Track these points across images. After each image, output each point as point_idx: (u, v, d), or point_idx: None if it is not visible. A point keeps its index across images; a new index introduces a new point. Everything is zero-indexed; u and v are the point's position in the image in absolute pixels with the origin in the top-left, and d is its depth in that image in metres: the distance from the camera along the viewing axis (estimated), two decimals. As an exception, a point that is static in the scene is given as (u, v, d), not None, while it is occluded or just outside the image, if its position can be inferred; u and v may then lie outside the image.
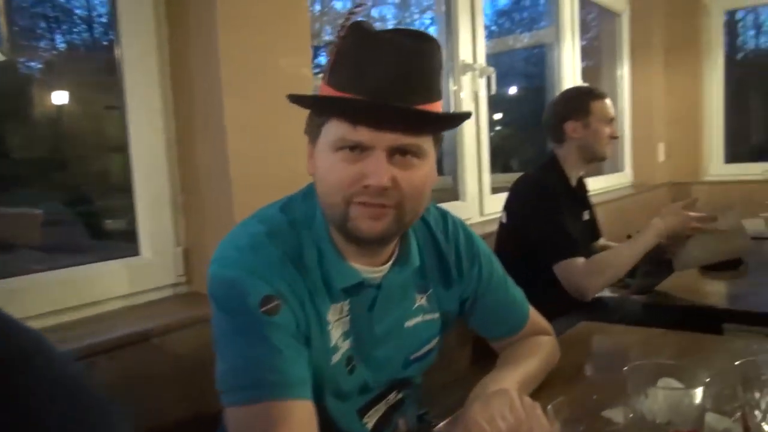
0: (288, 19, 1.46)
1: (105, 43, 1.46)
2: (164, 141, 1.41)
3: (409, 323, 0.97)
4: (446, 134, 2.40)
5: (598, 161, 2.11)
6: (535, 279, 1.66)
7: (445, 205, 2.30)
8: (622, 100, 3.89)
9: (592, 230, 2.21)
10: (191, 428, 1.16)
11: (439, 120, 0.86)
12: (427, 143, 0.84)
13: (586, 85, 2.23)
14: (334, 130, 0.80)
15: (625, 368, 0.76)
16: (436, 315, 1.01)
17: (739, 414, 0.76)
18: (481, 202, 2.47)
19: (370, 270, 0.90)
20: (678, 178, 3.95)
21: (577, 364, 1.20)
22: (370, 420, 0.97)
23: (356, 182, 0.79)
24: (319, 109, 0.84)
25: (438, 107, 0.83)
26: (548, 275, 1.79)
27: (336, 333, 0.87)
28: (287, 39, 1.46)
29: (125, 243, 1.42)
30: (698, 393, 0.72)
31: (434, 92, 0.82)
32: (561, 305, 1.69)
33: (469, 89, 2.39)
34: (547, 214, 1.84)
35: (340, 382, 0.89)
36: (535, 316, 1.15)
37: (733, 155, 3.94)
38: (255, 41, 1.38)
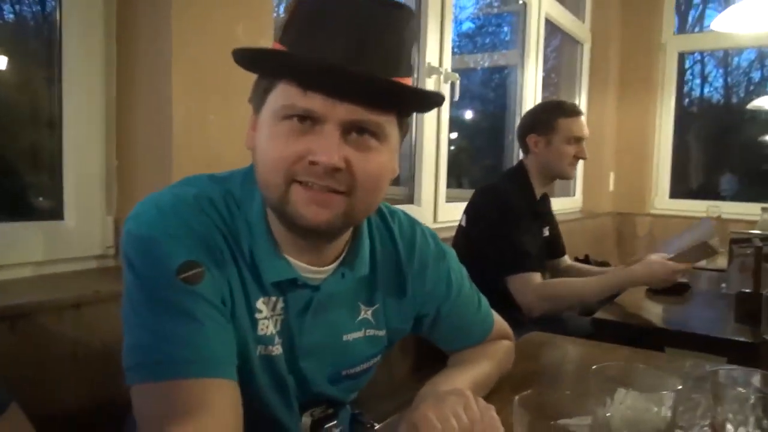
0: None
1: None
2: (101, 106, 1.29)
3: (348, 337, 0.85)
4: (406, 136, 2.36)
5: (561, 179, 2.04)
6: (488, 287, 1.62)
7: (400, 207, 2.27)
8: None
9: (553, 247, 2.17)
10: (95, 415, 1.03)
11: (408, 95, 0.71)
12: (390, 124, 0.71)
13: (562, 100, 2.11)
14: (282, 95, 0.68)
15: (593, 367, 0.70)
16: (382, 332, 0.89)
17: (707, 427, 0.71)
18: (435, 208, 2.42)
19: (310, 269, 0.78)
20: (624, 208, 4.04)
21: (528, 372, 1.14)
22: (306, 418, 0.85)
23: (302, 158, 0.67)
24: (265, 66, 0.71)
25: (408, 83, 0.71)
26: (500, 285, 1.75)
27: (264, 326, 0.76)
28: (246, 3, 1.36)
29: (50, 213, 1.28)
30: (667, 398, 0.67)
31: (403, 65, 0.70)
32: (512, 315, 1.65)
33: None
34: (506, 226, 1.79)
35: (259, 376, 0.77)
36: (498, 323, 1.07)
37: (675, 192, 4.06)
38: (209, 3, 1.28)
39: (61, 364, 1.00)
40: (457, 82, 2.41)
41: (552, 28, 3.55)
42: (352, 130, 0.68)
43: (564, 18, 3.59)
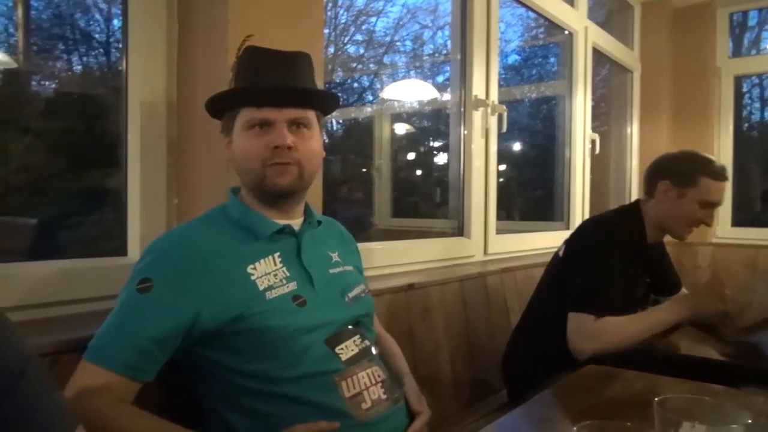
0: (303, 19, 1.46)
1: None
2: (164, 148, 1.38)
3: (333, 271, 1.16)
4: (452, 169, 2.37)
5: (672, 237, 1.87)
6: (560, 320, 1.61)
7: (448, 240, 2.26)
8: (631, 158, 3.87)
9: (664, 288, 2.02)
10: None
11: (316, 95, 1.14)
12: (313, 117, 1.11)
13: (711, 158, 1.83)
14: (245, 114, 1.07)
15: (656, 399, 0.67)
16: (350, 267, 1.22)
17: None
18: (486, 240, 2.40)
19: (287, 223, 1.11)
20: (684, 238, 3.88)
21: (586, 405, 1.10)
22: (343, 353, 1.05)
23: (267, 147, 1.05)
24: (232, 99, 1.09)
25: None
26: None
27: (267, 280, 1.03)
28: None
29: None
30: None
31: (310, 82, 1.13)
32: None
33: (480, 125, 2.35)
34: (600, 261, 1.67)
35: (288, 313, 1.01)
36: None
37: (737, 220, 3.89)
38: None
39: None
40: (505, 114, 2.42)
41: (600, 56, 3.53)
42: (292, 125, 1.07)
43: (612, 46, 3.56)
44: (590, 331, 1.61)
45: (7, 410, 0.48)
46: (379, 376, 1.08)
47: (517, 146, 3.71)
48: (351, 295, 1.15)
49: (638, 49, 3.90)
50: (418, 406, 1.15)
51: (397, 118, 4.16)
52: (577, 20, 3.15)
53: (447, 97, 2.90)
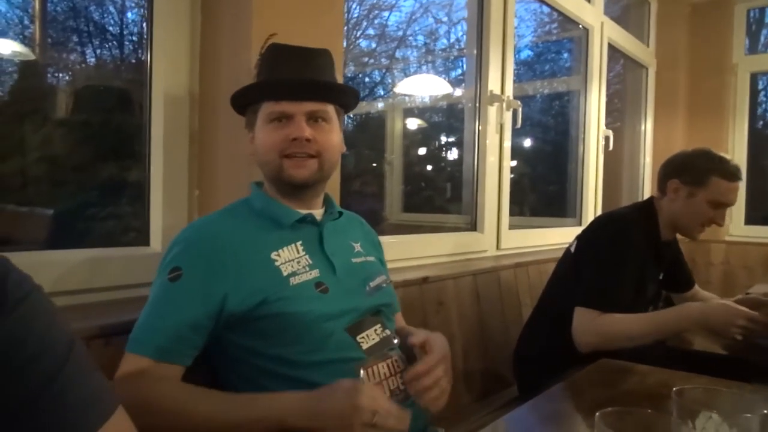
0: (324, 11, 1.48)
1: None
2: (186, 139, 1.40)
3: (356, 260, 1.19)
4: (466, 164, 2.38)
5: (683, 235, 1.87)
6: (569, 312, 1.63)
7: (462, 235, 2.27)
8: (645, 155, 3.86)
9: (677, 284, 2.04)
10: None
11: (335, 89, 1.16)
12: (332, 111, 1.14)
13: (726, 157, 1.80)
14: (266, 108, 1.10)
15: (674, 389, 0.69)
16: (372, 258, 1.25)
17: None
18: (498, 235, 2.41)
19: (310, 212, 1.14)
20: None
21: (602, 398, 1.12)
22: (364, 342, 1.08)
23: (286, 139, 1.08)
24: (252, 93, 1.13)
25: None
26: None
27: (290, 267, 1.06)
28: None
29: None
30: (752, 421, 0.65)
31: (330, 76, 1.16)
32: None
33: (494, 120, 2.36)
34: (612, 257, 1.67)
35: (311, 299, 1.04)
36: None
37: (751, 218, 3.87)
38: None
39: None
40: (519, 109, 2.43)
41: (614, 52, 3.52)
42: (310, 118, 1.10)
43: (627, 42, 3.55)
44: (594, 326, 1.61)
45: (59, 385, 0.51)
46: (398, 366, 1.10)
47: (529, 142, 3.71)
48: (373, 284, 1.18)
49: (654, 44, 3.88)
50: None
51: (410, 112, 4.17)
52: (593, 16, 3.14)
53: (459, 92, 2.91)
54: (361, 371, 1.03)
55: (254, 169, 1.20)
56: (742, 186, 3.70)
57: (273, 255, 1.06)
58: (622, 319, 1.62)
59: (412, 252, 1.99)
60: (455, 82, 3.34)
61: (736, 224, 3.81)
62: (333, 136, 1.13)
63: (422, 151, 4.61)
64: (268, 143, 1.09)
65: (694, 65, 3.86)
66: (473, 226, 2.36)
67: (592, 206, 3.24)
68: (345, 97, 1.20)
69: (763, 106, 4.48)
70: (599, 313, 1.62)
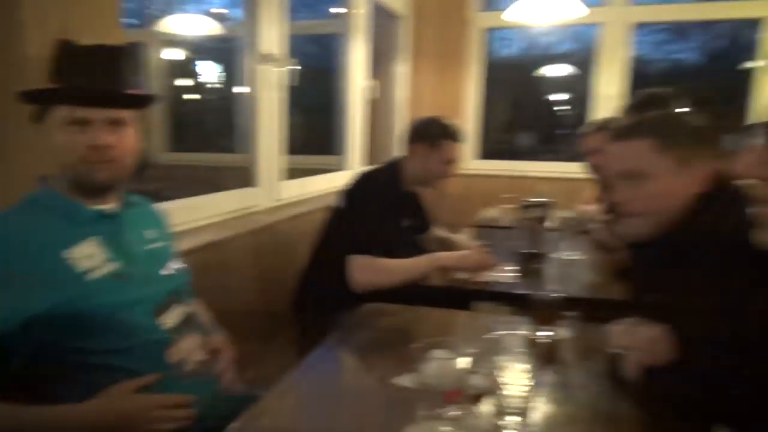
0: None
1: None
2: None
3: (150, 247, 1.29)
4: (244, 119, 2.48)
5: (428, 187, 2.33)
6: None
7: (236, 192, 2.38)
8: (400, 96, 4.31)
9: (421, 227, 2.45)
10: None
11: (137, 99, 1.21)
12: (128, 116, 1.18)
13: (451, 123, 2.27)
14: (63, 111, 1.11)
15: (412, 345, 0.99)
16: (165, 243, 1.36)
17: (490, 374, 1.03)
18: (274, 188, 2.58)
19: (104, 208, 1.21)
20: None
21: (367, 340, 1.43)
22: (168, 323, 1.21)
23: (86, 146, 1.11)
24: (51, 98, 1.12)
25: (134, 92, 1.19)
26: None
27: (87, 262, 1.12)
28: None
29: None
30: (460, 361, 0.98)
31: (128, 81, 1.18)
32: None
33: (270, 78, 2.47)
34: (368, 210, 2.03)
35: (110, 291, 1.12)
36: None
37: (485, 152, 4.63)
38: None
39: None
40: (295, 68, 2.56)
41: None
42: (107, 123, 1.14)
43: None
44: (367, 268, 1.97)
45: None
46: (199, 341, 1.25)
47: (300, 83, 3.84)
48: (168, 268, 1.30)
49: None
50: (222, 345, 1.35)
51: (175, 44, 4.00)
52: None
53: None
54: (167, 349, 1.17)
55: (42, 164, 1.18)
56: (474, 125, 4.34)
57: (66, 253, 1.11)
58: (391, 264, 2.00)
59: (193, 215, 2.03)
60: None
61: (468, 160, 4.54)
62: (131, 138, 1.19)
63: (193, 85, 4.48)
64: (67, 147, 1.12)
65: (440, 18, 4.35)
66: (246, 182, 2.48)
67: (358, 151, 3.59)
68: (146, 103, 1.26)
69: (496, 53, 5.25)
70: (370, 257, 1.96)
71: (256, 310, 2.21)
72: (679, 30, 5.20)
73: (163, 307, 1.22)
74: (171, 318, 1.23)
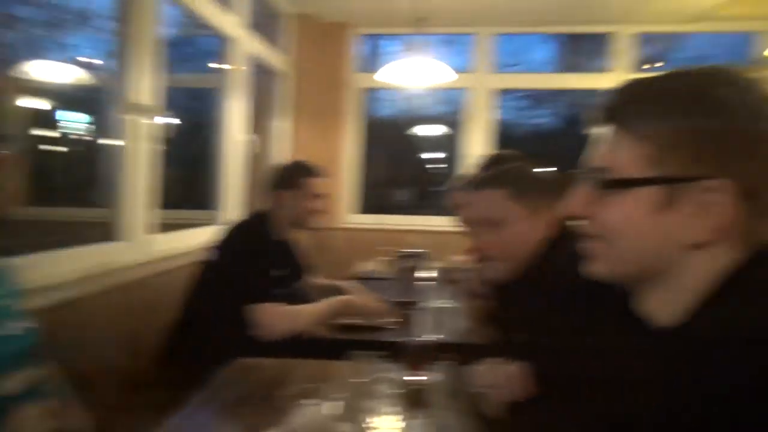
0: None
1: None
2: None
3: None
4: (109, 172, 2.36)
5: (304, 228, 2.34)
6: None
7: (96, 247, 2.23)
8: (280, 151, 4.34)
9: (288, 282, 2.40)
10: None
11: None
12: None
13: (304, 161, 2.40)
14: None
15: (282, 396, 0.97)
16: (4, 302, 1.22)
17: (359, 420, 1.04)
18: (144, 242, 2.46)
19: None
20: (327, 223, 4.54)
21: (236, 395, 1.38)
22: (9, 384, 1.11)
23: None
24: None
25: None
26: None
27: None
28: None
29: None
30: (328, 408, 0.98)
31: None
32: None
33: (139, 131, 2.39)
34: (240, 258, 2.03)
35: None
36: None
37: (364, 207, 4.75)
38: None
39: None
40: (168, 119, 2.50)
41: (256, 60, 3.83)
42: None
43: (268, 54, 3.91)
44: (275, 315, 1.96)
45: None
46: (46, 408, 1.12)
47: (180, 137, 3.74)
48: (10, 328, 1.18)
49: (292, 56, 4.37)
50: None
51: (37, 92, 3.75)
52: (235, 27, 3.38)
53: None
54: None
55: None
56: (356, 179, 4.45)
57: None
58: (295, 308, 2.01)
59: (46, 271, 1.87)
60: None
61: (349, 213, 4.63)
62: None
63: (53, 134, 4.19)
64: None
65: (320, 78, 4.48)
66: (108, 236, 2.34)
67: (235, 205, 3.53)
68: None
69: (374, 113, 5.49)
70: (274, 305, 1.96)
71: (122, 369, 2.04)
72: (538, 97, 5.80)
73: (3, 371, 1.10)
74: (12, 383, 1.11)
